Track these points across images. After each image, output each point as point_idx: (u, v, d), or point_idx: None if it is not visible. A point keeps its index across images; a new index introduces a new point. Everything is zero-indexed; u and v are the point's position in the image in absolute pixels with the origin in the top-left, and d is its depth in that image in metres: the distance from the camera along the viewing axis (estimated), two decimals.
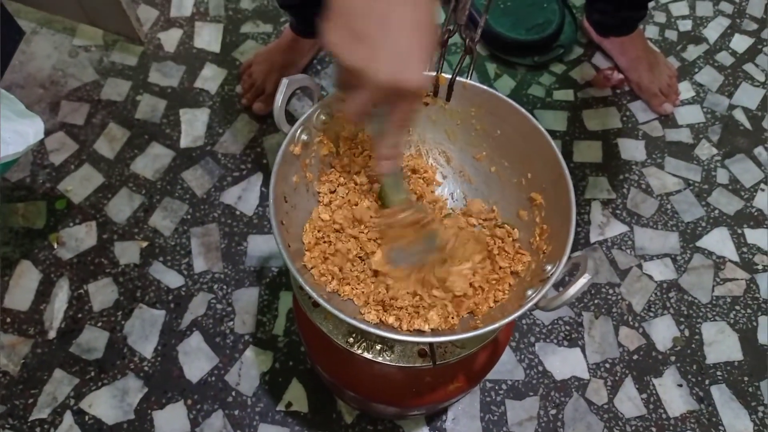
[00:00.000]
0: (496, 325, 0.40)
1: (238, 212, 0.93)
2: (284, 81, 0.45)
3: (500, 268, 0.48)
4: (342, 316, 0.40)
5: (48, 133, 0.97)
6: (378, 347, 0.49)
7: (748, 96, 1.06)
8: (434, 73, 0.51)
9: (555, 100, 1.04)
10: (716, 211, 0.96)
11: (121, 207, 0.92)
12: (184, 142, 0.97)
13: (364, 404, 0.70)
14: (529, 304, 0.41)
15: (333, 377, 0.60)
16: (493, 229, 0.51)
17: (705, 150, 1.01)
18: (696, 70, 1.09)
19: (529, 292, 0.44)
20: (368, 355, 0.49)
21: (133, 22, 0.96)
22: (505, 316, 0.41)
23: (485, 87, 0.51)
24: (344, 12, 0.38)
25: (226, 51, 1.05)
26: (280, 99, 0.46)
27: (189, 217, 0.92)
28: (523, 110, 0.49)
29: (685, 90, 1.06)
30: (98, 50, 1.04)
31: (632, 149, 1.01)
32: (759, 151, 1.02)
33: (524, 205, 0.51)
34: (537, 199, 0.49)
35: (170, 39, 1.05)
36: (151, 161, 0.96)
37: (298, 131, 0.48)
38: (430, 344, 0.48)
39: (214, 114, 1.00)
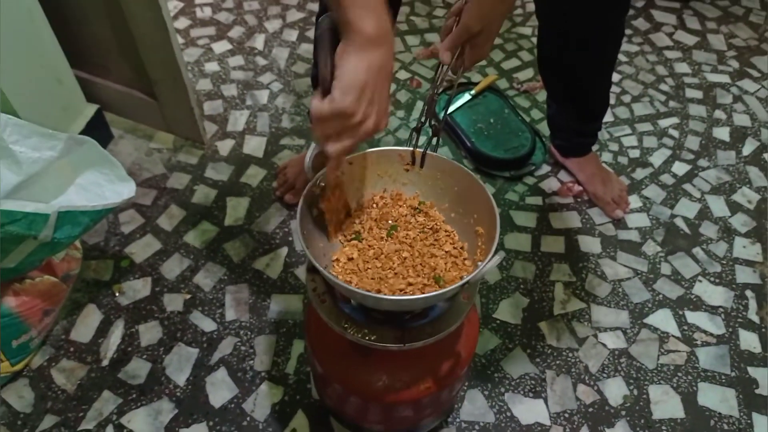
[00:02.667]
0: (449, 288, 0.61)
1: (265, 276, 1.15)
2: (313, 146, 0.71)
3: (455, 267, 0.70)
4: (338, 281, 0.61)
5: (122, 210, 1.23)
6: (365, 331, 0.68)
7: (686, 208, 1.30)
8: (412, 149, 0.76)
9: (527, 204, 1.29)
10: (660, 296, 1.15)
11: (173, 267, 1.15)
12: (228, 222, 1.23)
13: (357, 413, 0.86)
14: (467, 277, 0.62)
15: (327, 366, 0.78)
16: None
17: (651, 248, 1.23)
18: (643, 186, 1.34)
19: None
20: (357, 337, 0.68)
21: (200, 131, 1.27)
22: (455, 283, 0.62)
23: (446, 158, 0.76)
24: (348, 74, 0.59)
25: (267, 156, 1.34)
26: (309, 157, 0.71)
27: (226, 277, 1.14)
28: (471, 172, 0.73)
29: (634, 201, 1.31)
30: (168, 152, 1.34)
31: (590, 244, 1.23)
32: (696, 250, 1.23)
33: (472, 235, 0.73)
34: (479, 230, 0.71)
35: (225, 146, 1.35)
36: (200, 234, 1.20)
37: (319, 178, 0.72)
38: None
39: (253, 202, 1.26)
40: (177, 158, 1.32)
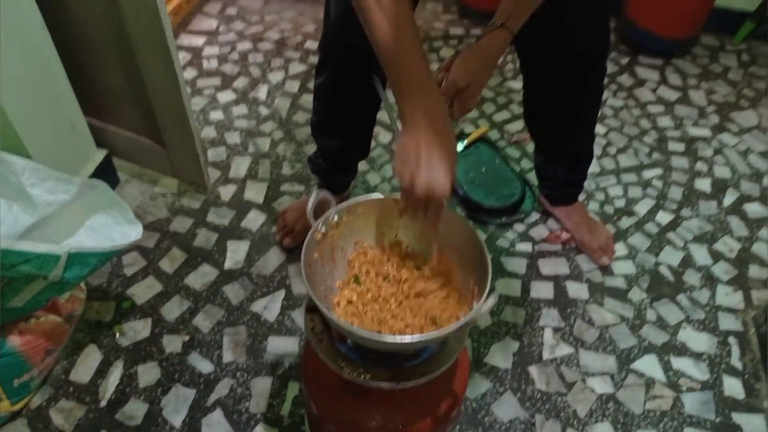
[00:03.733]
0: (447, 328, 0.65)
1: (263, 318, 1.18)
2: (315, 193, 0.76)
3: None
4: (337, 319, 0.65)
5: (125, 252, 1.27)
6: (360, 370, 0.72)
7: (670, 256, 1.35)
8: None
9: (517, 250, 1.34)
10: (647, 342, 1.19)
11: (173, 309, 1.18)
12: (228, 265, 1.26)
13: None
14: (465, 318, 0.66)
15: (322, 405, 0.80)
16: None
17: (636, 294, 1.27)
18: (629, 235, 1.39)
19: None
20: (353, 376, 0.71)
21: (205, 176, 1.32)
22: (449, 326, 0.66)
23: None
24: (403, 150, 0.68)
25: (268, 202, 1.39)
26: (311, 204, 0.76)
27: (224, 319, 1.17)
28: (463, 219, 0.78)
29: (620, 249, 1.36)
30: (172, 196, 1.38)
31: (578, 290, 1.27)
32: (681, 297, 1.27)
33: (466, 278, 0.77)
34: (472, 273, 0.76)
35: (227, 191, 1.40)
36: (201, 277, 1.24)
37: (320, 225, 0.77)
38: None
39: (253, 245, 1.30)
40: (180, 202, 1.37)
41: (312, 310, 0.79)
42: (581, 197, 1.40)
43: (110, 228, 0.98)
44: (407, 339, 0.66)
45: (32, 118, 1.10)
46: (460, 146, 1.50)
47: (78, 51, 1.21)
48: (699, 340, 1.20)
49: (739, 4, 1.96)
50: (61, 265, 0.88)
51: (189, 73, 1.70)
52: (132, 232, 0.98)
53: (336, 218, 0.79)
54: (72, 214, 0.94)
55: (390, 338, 0.66)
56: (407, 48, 0.70)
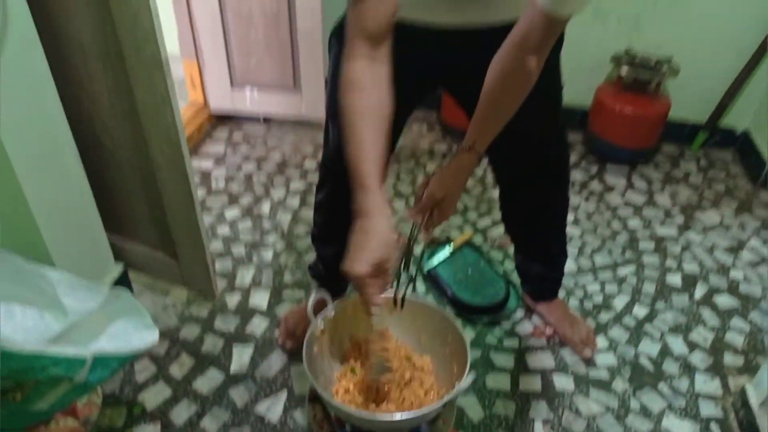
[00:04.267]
0: (432, 406, 0.73)
1: (266, 420, 1.24)
2: (314, 294, 0.87)
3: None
4: (336, 404, 0.74)
5: (138, 358, 1.35)
6: None
7: (649, 347, 1.44)
8: (393, 294, 0.93)
9: (505, 346, 1.43)
10: (632, 430, 1.25)
11: (181, 413, 1.25)
12: (233, 369, 1.34)
13: None
14: (447, 397, 0.75)
15: None
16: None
17: (619, 385, 1.34)
18: (608, 328, 1.49)
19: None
20: None
21: (213, 286, 1.44)
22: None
23: (421, 300, 0.92)
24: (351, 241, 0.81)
25: (271, 308, 1.49)
26: (311, 304, 0.87)
27: (230, 422, 1.23)
28: (441, 309, 0.89)
29: (601, 342, 1.45)
30: (182, 306, 1.49)
31: (564, 382, 1.35)
32: (662, 386, 1.34)
33: (448, 361, 0.87)
34: (454, 357, 0.86)
35: (233, 299, 1.51)
36: (208, 381, 1.31)
37: (318, 321, 0.87)
38: None
39: (256, 350, 1.39)
40: (189, 311, 1.47)
41: (314, 400, 0.88)
42: (561, 294, 1.52)
43: (130, 333, 1.07)
44: (397, 416, 0.75)
45: (60, 234, 1.23)
46: (447, 251, 1.64)
47: (105, 175, 1.37)
48: (682, 428, 1.26)
49: (692, 117, 2.20)
50: (86, 368, 0.97)
51: (199, 193, 1.87)
52: (149, 337, 1.07)
53: (332, 315, 0.90)
54: (97, 320, 1.04)
55: (382, 416, 0.75)
56: (360, 153, 0.84)
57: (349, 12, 0.84)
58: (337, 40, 1.10)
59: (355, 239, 0.81)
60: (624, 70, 2.00)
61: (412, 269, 0.98)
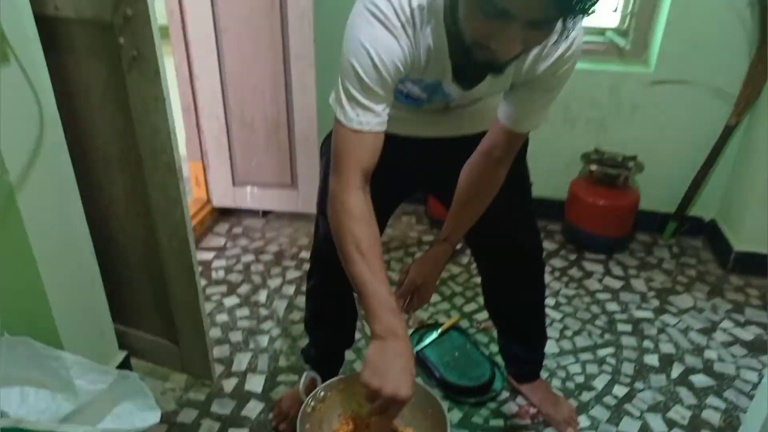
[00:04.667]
0: None
1: None
2: (305, 374, 0.97)
3: None
4: None
5: None
6: None
7: (629, 425, 1.50)
8: None
9: (491, 426, 1.48)
10: None
11: None
12: None
13: None
14: None
15: None
16: None
17: None
18: (590, 408, 1.55)
19: None
20: None
21: (212, 371, 1.51)
22: None
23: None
24: (370, 363, 0.87)
25: (266, 392, 1.56)
26: (302, 383, 0.96)
27: None
28: (421, 383, 0.98)
29: (583, 421, 1.50)
30: (180, 390, 1.55)
31: None
32: None
33: (428, 430, 0.94)
34: (431, 421, 0.93)
35: (229, 384, 1.58)
36: None
37: (309, 400, 0.96)
38: None
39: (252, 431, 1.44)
40: (187, 396, 1.54)
41: None
42: (544, 375, 1.59)
43: (134, 414, 1.14)
44: None
45: (72, 322, 1.33)
46: (434, 334, 1.73)
47: (114, 268, 1.49)
48: None
49: (662, 208, 2.36)
50: None
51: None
52: (151, 417, 1.14)
53: (322, 394, 0.99)
54: (105, 401, 1.11)
55: None
56: (374, 277, 0.89)
57: (346, 146, 0.92)
58: (328, 148, 1.26)
59: (392, 360, 0.83)
60: (594, 166, 2.19)
61: None
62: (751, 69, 2.05)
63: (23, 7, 1.09)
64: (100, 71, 1.25)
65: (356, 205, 0.92)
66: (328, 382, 0.99)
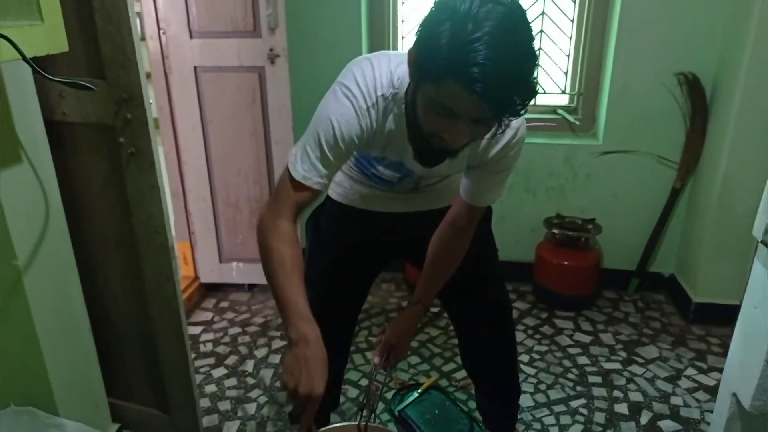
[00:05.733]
0: None
1: None
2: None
3: None
4: None
5: None
6: None
7: None
8: (357, 423, 1.12)
9: None
10: None
11: None
12: None
13: None
14: None
15: None
16: None
17: None
18: None
19: None
20: None
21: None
22: None
23: (384, 428, 1.11)
24: (287, 366, 0.97)
25: None
26: None
27: None
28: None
29: None
30: None
31: None
32: None
33: None
34: None
35: None
36: None
37: None
38: None
39: None
40: None
41: None
42: (520, 428, 1.68)
43: None
44: None
45: (68, 396, 1.40)
46: (415, 394, 1.81)
47: (108, 344, 1.58)
48: None
49: (623, 266, 2.52)
50: None
51: None
52: None
53: None
54: None
55: None
56: (292, 291, 0.99)
57: (286, 189, 1.06)
58: (313, 225, 1.41)
59: (306, 363, 0.94)
60: (556, 230, 2.37)
61: (373, 402, 1.19)
62: (688, 137, 2.28)
63: (35, 115, 1.26)
64: (101, 166, 1.41)
65: (284, 229, 1.03)
66: (321, 430, 1.09)
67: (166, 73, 2.18)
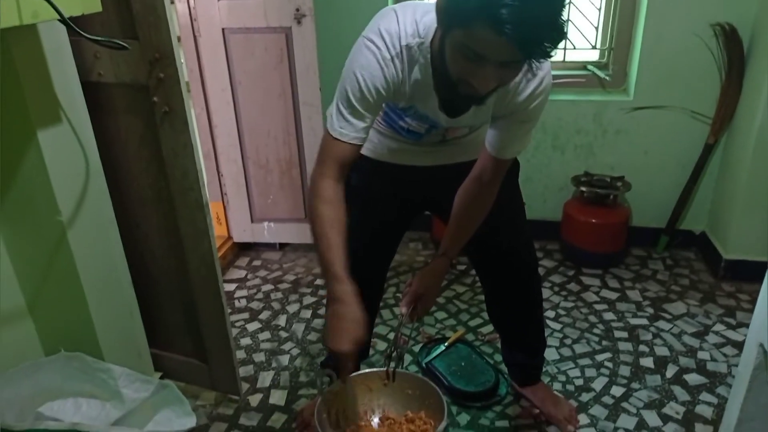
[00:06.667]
0: None
1: None
2: (324, 371, 1.12)
3: None
4: None
5: None
6: None
7: (626, 422, 1.61)
8: (386, 369, 1.17)
9: (497, 426, 1.60)
10: None
11: None
12: None
13: None
14: None
15: None
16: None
17: None
18: (589, 407, 1.67)
19: None
20: None
21: (239, 389, 1.66)
22: None
23: (410, 373, 1.16)
24: (326, 325, 1.04)
25: (288, 405, 1.70)
26: (320, 380, 1.12)
27: None
28: (423, 378, 1.13)
29: (583, 419, 1.62)
30: (210, 407, 1.70)
31: None
32: None
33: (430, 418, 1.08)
34: (431, 410, 1.08)
35: (255, 399, 1.72)
36: None
37: (326, 391, 1.11)
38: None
39: None
40: (217, 411, 1.68)
41: None
42: (545, 379, 1.72)
43: (172, 420, 1.30)
44: None
45: (113, 345, 1.49)
46: (441, 347, 1.86)
47: (149, 297, 1.66)
48: None
49: (653, 223, 2.50)
50: None
51: None
52: (188, 422, 1.30)
53: (338, 388, 1.14)
54: (148, 407, 1.27)
55: None
56: (329, 253, 1.05)
57: (327, 147, 1.11)
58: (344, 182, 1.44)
59: (335, 322, 1.01)
60: (584, 188, 2.35)
61: (401, 351, 1.24)
62: (723, 91, 2.22)
63: (72, 76, 1.30)
64: (137, 125, 1.45)
65: (327, 190, 1.09)
66: (351, 376, 1.14)
67: (195, 36, 2.21)
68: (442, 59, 1.00)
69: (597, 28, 2.40)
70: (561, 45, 0.94)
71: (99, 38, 1.09)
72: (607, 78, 2.39)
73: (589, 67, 2.43)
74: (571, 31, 2.37)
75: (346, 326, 1.01)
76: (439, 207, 1.49)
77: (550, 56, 0.91)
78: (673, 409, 1.65)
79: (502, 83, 0.99)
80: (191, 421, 1.30)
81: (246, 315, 2.14)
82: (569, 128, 2.41)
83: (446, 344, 1.88)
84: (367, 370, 1.20)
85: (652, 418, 1.62)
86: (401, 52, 1.07)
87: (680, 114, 2.30)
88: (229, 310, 2.14)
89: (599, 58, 2.45)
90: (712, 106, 2.25)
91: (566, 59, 2.44)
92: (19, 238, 1.34)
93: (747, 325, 1.97)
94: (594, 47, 2.43)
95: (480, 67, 0.93)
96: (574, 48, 2.42)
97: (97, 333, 1.44)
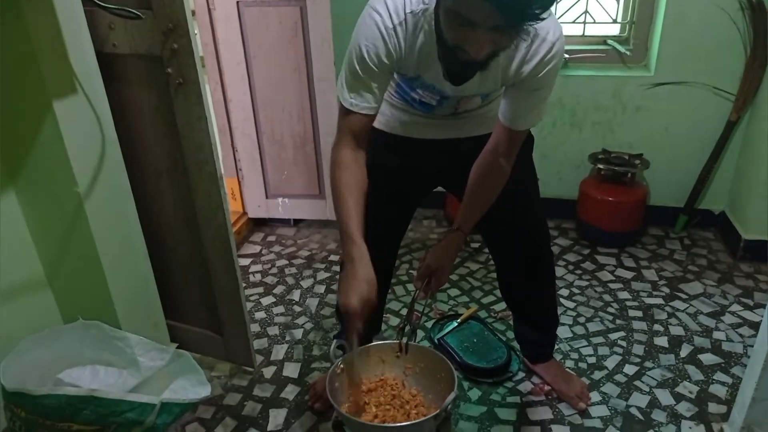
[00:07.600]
0: (423, 419, 0.96)
1: None
2: (335, 341, 1.13)
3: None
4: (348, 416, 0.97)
5: (186, 422, 1.57)
6: None
7: (639, 400, 1.61)
8: (399, 341, 1.17)
9: (508, 402, 1.61)
10: None
11: None
12: (270, 428, 1.55)
13: None
14: (436, 412, 0.97)
15: None
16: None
17: None
18: (601, 385, 1.66)
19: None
20: None
21: (254, 360, 1.68)
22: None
23: (423, 346, 1.16)
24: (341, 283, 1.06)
25: (301, 377, 1.72)
26: (332, 350, 1.12)
27: None
28: (434, 351, 1.13)
29: (595, 396, 1.62)
30: (225, 378, 1.73)
31: None
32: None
33: (439, 391, 1.09)
34: (442, 383, 1.08)
35: (269, 371, 1.75)
36: None
37: (339, 363, 1.12)
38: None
39: (290, 412, 1.60)
40: (232, 382, 1.71)
41: (336, 426, 1.10)
42: (558, 357, 1.72)
43: (187, 388, 1.32)
44: (390, 425, 0.98)
45: (130, 316, 1.51)
46: (454, 324, 1.87)
47: (165, 269, 1.68)
48: None
49: (672, 203, 2.46)
50: (155, 413, 1.21)
51: None
52: (203, 391, 1.32)
53: (349, 359, 1.15)
54: (164, 376, 1.29)
55: (381, 426, 0.97)
56: (345, 216, 1.10)
57: (342, 118, 1.16)
58: None
59: (347, 280, 1.05)
60: (601, 165, 2.32)
61: (414, 324, 1.24)
62: (747, 67, 2.16)
63: (87, 46, 1.30)
64: (151, 97, 1.45)
65: (345, 157, 1.14)
66: (356, 349, 1.15)
67: (209, 9, 2.19)
68: (439, 26, 1.00)
69: (618, 1, 2.34)
70: (552, 8, 0.95)
71: (114, 7, 1.09)
72: (628, 53, 2.33)
73: (609, 41, 2.37)
74: (591, 4, 2.32)
75: (357, 284, 1.03)
76: (452, 182, 1.48)
77: (541, 19, 0.90)
78: (686, 388, 1.64)
79: (497, 48, 0.98)
80: (206, 390, 1.33)
81: (260, 289, 2.16)
82: (587, 105, 2.36)
83: (459, 321, 1.88)
84: (380, 342, 1.21)
85: (664, 397, 1.61)
86: (405, 20, 1.07)
87: (702, 90, 2.24)
88: (244, 285, 2.16)
89: (620, 33, 2.39)
90: (736, 82, 2.20)
91: (585, 33, 2.39)
92: (37, 209, 1.36)
93: (764, 306, 1.96)
94: (614, 21, 2.38)
95: (472, 33, 0.93)
96: (594, 22, 2.37)
97: (114, 303, 1.46)
